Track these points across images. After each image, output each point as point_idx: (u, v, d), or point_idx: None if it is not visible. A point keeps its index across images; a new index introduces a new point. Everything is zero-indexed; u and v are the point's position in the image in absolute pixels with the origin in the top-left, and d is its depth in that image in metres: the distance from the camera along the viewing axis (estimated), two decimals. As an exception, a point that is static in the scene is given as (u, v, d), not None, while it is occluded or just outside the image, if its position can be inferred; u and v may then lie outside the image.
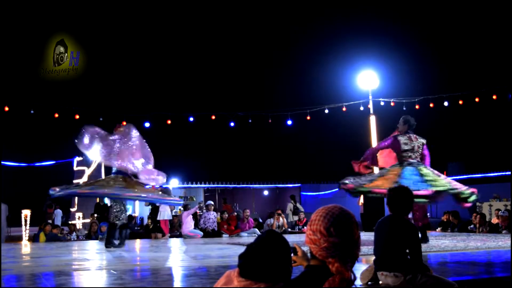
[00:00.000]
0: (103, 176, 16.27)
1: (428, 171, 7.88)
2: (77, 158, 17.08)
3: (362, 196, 13.38)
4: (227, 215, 13.84)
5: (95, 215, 15.63)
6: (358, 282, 3.96)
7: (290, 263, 2.11)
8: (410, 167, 7.91)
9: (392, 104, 15.97)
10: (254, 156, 25.96)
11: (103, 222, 13.55)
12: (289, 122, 17.08)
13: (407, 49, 23.59)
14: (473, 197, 7.62)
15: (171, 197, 10.18)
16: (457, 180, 9.05)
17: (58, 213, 16.29)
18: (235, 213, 14.60)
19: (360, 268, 4.12)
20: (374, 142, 14.34)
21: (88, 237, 12.92)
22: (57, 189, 8.85)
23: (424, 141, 8.28)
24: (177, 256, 7.81)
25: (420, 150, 8.17)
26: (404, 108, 15.93)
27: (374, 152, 8.66)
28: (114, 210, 8.83)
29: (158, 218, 13.30)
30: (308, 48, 27.01)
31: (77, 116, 16.06)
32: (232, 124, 17.25)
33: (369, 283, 3.93)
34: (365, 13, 24.98)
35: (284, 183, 23.85)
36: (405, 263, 3.58)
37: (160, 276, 5.15)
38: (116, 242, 8.92)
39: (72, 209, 17.16)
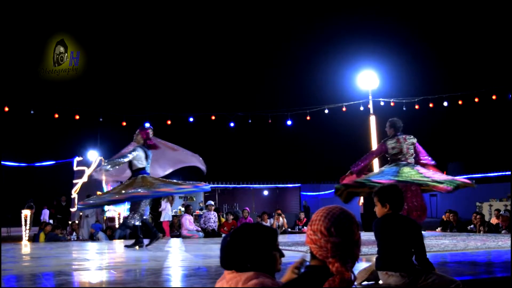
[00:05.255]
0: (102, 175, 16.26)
1: (409, 169, 7.93)
2: (77, 158, 17.09)
3: (362, 196, 13.36)
4: (232, 216, 13.84)
5: (58, 216, 15.62)
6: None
7: (268, 250, 2.10)
8: (394, 167, 8.00)
9: (392, 104, 15.97)
10: (254, 156, 25.98)
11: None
12: (289, 122, 17.08)
13: (407, 49, 23.63)
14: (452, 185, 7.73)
15: (197, 184, 10.16)
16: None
17: (45, 213, 16.34)
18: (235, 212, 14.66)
19: (360, 268, 4.11)
20: (374, 142, 14.34)
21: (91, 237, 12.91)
22: (88, 201, 9.08)
23: (414, 140, 8.30)
24: (177, 256, 7.81)
25: (411, 151, 8.18)
26: (404, 108, 15.95)
27: (367, 164, 8.67)
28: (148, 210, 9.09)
29: (160, 220, 13.40)
30: (308, 48, 27.04)
31: (77, 116, 16.06)
32: (232, 124, 17.24)
33: (364, 283, 3.93)
34: (365, 13, 24.99)
35: (284, 183, 23.85)
36: (411, 263, 3.58)
37: (160, 276, 5.15)
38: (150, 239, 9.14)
39: (72, 209, 17.17)
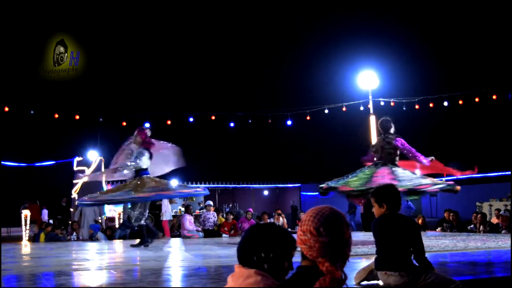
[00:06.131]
0: (103, 177, 16.30)
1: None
2: (77, 158, 17.09)
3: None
4: (232, 216, 13.84)
5: (58, 216, 15.62)
6: (352, 282, 3.96)
7: (280, 257, 2.10)
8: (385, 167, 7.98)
9: (392, 104, 15.98)
10: (254, 156, 25.97)
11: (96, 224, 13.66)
12: (289, 122, 17.09)
13: (407, 49, 23.61)
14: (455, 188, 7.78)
15: (193, 189, 10.23)
16: (456, 180, 9.10)
17: (45, 213, 16.38)
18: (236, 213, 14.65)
19: (359, 268, 4.12)
20: (374, 142, 14.33)
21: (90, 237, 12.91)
22: (86, 198, 9.09)
23: (392, 141, 8.24)
24: (177, 256, 7.82)
25: (386, 151, 8.18)
26: (404, 108, 15.95)
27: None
28: (137, 212, 9.05)
29: (161, 219, 13.42)
30: (308, 48, 27.03)
31: (77, 116, 16.07)
32: (232, 124, 17.25)
33: (363, 283, 3.93)
34: (365, 13, 24.99)
35: (284, 183, 23.84)
36: (410, 262, 3.58)
37: (160, 276, 5.16)
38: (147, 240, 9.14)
39: (72, 209, 17.18)
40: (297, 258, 2.13)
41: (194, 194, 11.66)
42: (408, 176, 7.79)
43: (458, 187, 7.80)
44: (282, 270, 2.10)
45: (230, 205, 20.54)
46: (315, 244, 2.07)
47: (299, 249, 2.17)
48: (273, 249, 2.08)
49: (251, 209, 14.85)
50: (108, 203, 11.28)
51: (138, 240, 9.10)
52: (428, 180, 7.85)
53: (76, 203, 9.13)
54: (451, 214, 12.52)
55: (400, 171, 7.86)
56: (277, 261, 2.08)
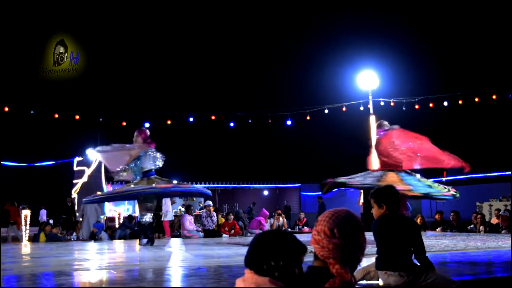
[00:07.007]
0: (103, 177, 16.35)
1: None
2: (77, 158, 17.09)
3: (362, 196, 13.38)
4: (232, 216, 13.83)
5: (63, 216, 15.65)
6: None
7: (291, 264, 2.07)
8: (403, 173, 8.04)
9: (392, 104, 15.97)
10: (254, 156, 25.96)
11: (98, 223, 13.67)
12: (289, 122, 17.08)
13: (407, 49, 23.58)
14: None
15: (197, 187, 10.38)
16: (456, 180, 9.11)
17: (43, 213, 16.38)
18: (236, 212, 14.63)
19: (358, 268, 4.12)
20: (374, 143, 14.31)
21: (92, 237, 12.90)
22: (93, 197, 9.27)
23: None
24: (177, 256, 7.82)
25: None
26: (404, 108, 15.93)
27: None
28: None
29: (162, 219, 13.42)
30: (308, 48, 27.01)
31: (77, 116, 16.07)
32: (232, 124, 17.25)
33: (363, 282, 3.93)
34: (365, 13, 24.98)
35: (284, 183, 23.84)
36: (410, 262, 3.59)
37: (160, 276, 5.16)
38: (144, 241, 9.22)
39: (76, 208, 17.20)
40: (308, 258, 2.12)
41: (202, 191, 11.73)
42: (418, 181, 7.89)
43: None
44: (292, 277, 2.07)
45: (251, 205, 20.36)
46: (328, 245, 2.08)
47: (310, 248, 2.17)
48: (283, 257, 2.04)
49: (265, 211, 14.61)
50: (112, 199, 11.39)
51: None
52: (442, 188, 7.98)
53: (83, 200, 9.37)
54: (452, 214, 12.57)
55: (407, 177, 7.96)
56: (288, 268, 2.05)
